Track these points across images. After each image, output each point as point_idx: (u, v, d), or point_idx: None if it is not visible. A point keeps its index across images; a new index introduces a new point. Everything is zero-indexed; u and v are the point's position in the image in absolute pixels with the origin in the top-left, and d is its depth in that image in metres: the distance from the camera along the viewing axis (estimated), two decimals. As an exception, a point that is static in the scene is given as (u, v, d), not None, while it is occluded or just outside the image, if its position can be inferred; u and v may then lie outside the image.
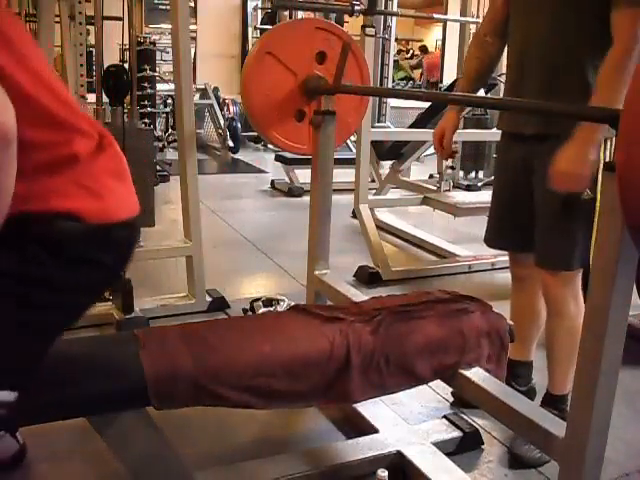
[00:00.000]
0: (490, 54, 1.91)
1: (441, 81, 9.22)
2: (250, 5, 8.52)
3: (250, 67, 1.96)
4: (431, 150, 5.29)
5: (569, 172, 1.52)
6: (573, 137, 1.51)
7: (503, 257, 2.55)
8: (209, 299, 2.74)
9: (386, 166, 5.06)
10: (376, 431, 1.77)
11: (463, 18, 5.22)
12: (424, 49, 12.85)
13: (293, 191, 5.27)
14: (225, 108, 7.49)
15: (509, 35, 1.80)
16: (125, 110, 3.20)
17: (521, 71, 1.73)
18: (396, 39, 7.93)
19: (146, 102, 5.54)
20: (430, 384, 1.92)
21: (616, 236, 1.09)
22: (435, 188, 4.46)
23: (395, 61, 10.12)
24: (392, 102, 6.78)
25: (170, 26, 2.44)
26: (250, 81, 1.96)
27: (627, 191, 0.95)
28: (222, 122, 7.34)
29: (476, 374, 1.56)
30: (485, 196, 4.05)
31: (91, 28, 3.82)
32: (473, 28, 6.64)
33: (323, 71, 2.00)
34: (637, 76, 0.93)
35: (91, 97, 4.29)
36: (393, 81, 8.93)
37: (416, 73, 12.91)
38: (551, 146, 1.57)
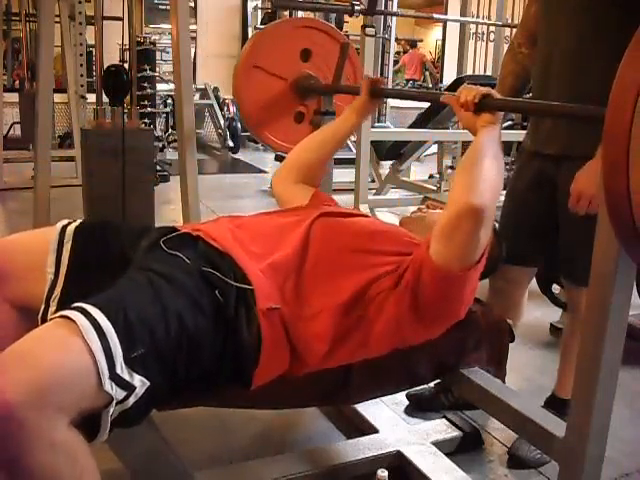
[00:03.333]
0: (525, 67, 1.85)
1: (441, 81, 9.23)
2: (250, 5, 8.51)
3: (239, 81, 1.99)
4: (431, 150, 5.30)
5: (588, 193, 1.50)
6: (595, 156, 1.48)
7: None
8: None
9: (386, 166, 5.06)
10: (376, 431, 1.76)
11: (463, 18, 5.23)
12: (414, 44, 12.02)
13: (293, 191, 5.26)
14: (225, 108, 7.49)
15: (537, 43, 1.78)
16: (125, 110, 3.20)
17: (546, 78, 1.71)
18: (396, 39, 7.93)
19: (146, 102, 5.54)
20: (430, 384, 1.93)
21: (616, 236, 1.09)
22: (435, 188, 4.46)
23: (395, 61, 10.09)
24: (392, 102, 6.79)
25: (170, 26, 2.44)
26: (242, 94, 2.00)
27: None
28: (222, 122, 7.34)
29: (476, 374, 1.56)
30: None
31: (91, 28, 3.82)
32: (473, 28, 6.67)
33: (312, 68, 2.01)
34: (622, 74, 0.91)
35: (91, 97, 4.30)
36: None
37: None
38: (573, 167, 1.56)
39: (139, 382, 0.99)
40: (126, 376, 0.97)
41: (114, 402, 0.96)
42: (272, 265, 1.26)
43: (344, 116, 1.76)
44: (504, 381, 1.66)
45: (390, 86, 6.93)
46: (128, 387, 0.98)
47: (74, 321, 0.96)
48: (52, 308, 1.23)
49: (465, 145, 5.57)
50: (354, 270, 1.31)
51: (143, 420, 1.09)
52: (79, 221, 1.36)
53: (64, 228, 1.32)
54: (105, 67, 3.25)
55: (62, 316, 0.98)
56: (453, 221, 1.21)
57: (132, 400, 0.99)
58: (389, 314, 1.28)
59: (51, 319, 1.01)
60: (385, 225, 1.54)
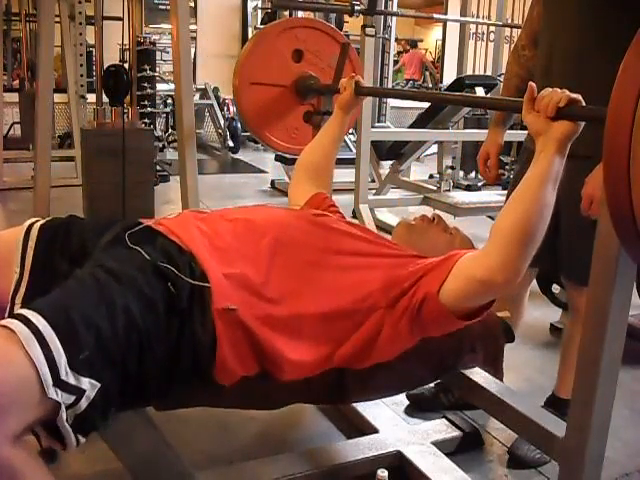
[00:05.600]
0: (529, 69, 1.85)
1: (441, 81, 9.22)
2: (250, 5, 8.51)
3: (240, 97, 2.08)
4: (431, 150, 5.30)
5: (600, 196, 1.48)
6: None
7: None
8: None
9: (386, 166, 5.06)
10: (376, 431, 1.76)
11: (463, 18, 5.23)
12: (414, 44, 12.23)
13: (293, 191, 5.26)
14: (225, 108, 7.48)
15: (539, 43, 1.78)
16: (125, 110, 3.20)
17: (547, 78, 1.70)
18: (396, 39, 7.92)
19: (146, 102, 5.54)
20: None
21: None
22: (435, 188, 4.46)
23: (395, 61, 10.09)
24: (392, 102, 6.79)
25: (170, 26, 2.44)
26: (243, 105, 2.09)
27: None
28: (222, 122, 7.34)
29: (476, 374, 1.57)
30: (485, 196, 4.06)
31: (91, 28, 3.82)
32: (473, 28, 6.67)
33: (306, 66, 2.04)
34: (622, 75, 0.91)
35: (91, 97, 4.30)
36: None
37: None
38: (575, 166, 1.56)
39: (88, 384, 0.98)
40: (72, 380, 0.96)
41: (63, 407, 0.96)
42: (237, 265, 1.24)
43: (333, 114, 1.82)
44: (502, 381, 1.66)
45: (390, 86, 6.93)
46: (76, 391, 0.97)
47: (14, 331, 0.95)
48: (17, 306, 1.22)
49: (465, 145, 5.58)
50: (330, 273, 1.30)
51: (109, 420, 1.08)
52: (45, 219, 1.35)
53: (30, 227, 1.32)
54: (105, 67, 3.25)
55: (2, 326, 0.96)
56: (480, 291, 1.22)
57: (85, 403, 0.98)
58: (386, 333, 1.28)
59: None
60: (366, 230, 1.52)
